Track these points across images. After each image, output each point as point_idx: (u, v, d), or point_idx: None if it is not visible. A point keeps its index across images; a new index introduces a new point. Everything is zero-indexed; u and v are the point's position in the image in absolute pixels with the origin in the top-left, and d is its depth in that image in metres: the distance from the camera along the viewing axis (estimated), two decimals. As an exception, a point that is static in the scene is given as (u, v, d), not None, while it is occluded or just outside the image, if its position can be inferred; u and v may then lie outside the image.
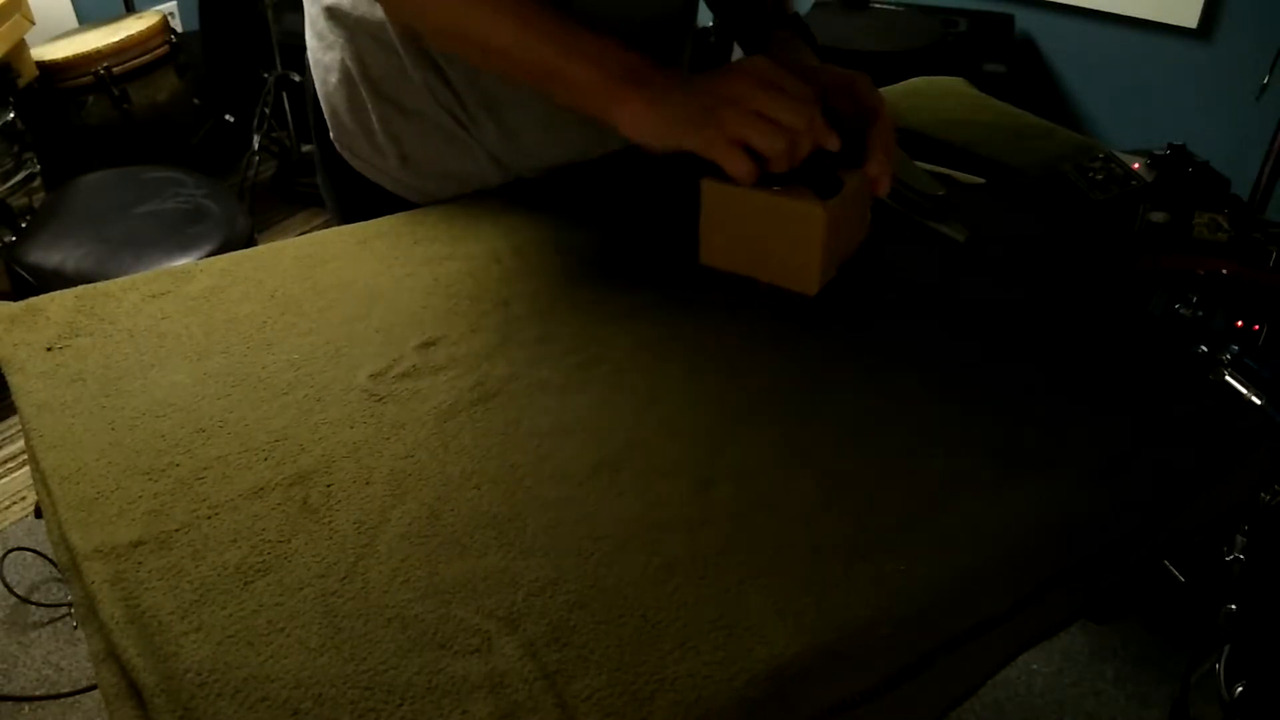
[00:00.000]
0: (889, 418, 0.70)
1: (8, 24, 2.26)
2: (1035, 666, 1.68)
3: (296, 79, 2.82)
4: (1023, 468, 0.66)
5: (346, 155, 1.00)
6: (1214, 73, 2.20)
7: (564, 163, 0.99)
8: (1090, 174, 0.96)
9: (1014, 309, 0.82)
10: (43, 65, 2.48)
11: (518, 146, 0.96)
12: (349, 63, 0.94)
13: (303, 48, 1.02)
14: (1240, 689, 1.02)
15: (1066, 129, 1.14)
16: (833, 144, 0.77)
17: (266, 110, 2.86)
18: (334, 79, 0.96)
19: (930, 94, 1.21)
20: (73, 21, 2.85)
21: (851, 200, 0.83)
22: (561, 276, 0.85)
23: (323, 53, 0.96)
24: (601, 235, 0.91)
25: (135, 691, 0.52)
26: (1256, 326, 0.77)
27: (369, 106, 0.94)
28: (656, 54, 0.78)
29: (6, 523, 1.97)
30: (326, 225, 0.97)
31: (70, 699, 1.64)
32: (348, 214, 1.02)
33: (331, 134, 1.00)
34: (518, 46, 0.78)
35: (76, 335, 0.76)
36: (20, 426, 0.71)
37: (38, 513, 1.88)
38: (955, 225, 0.91)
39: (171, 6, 3.08)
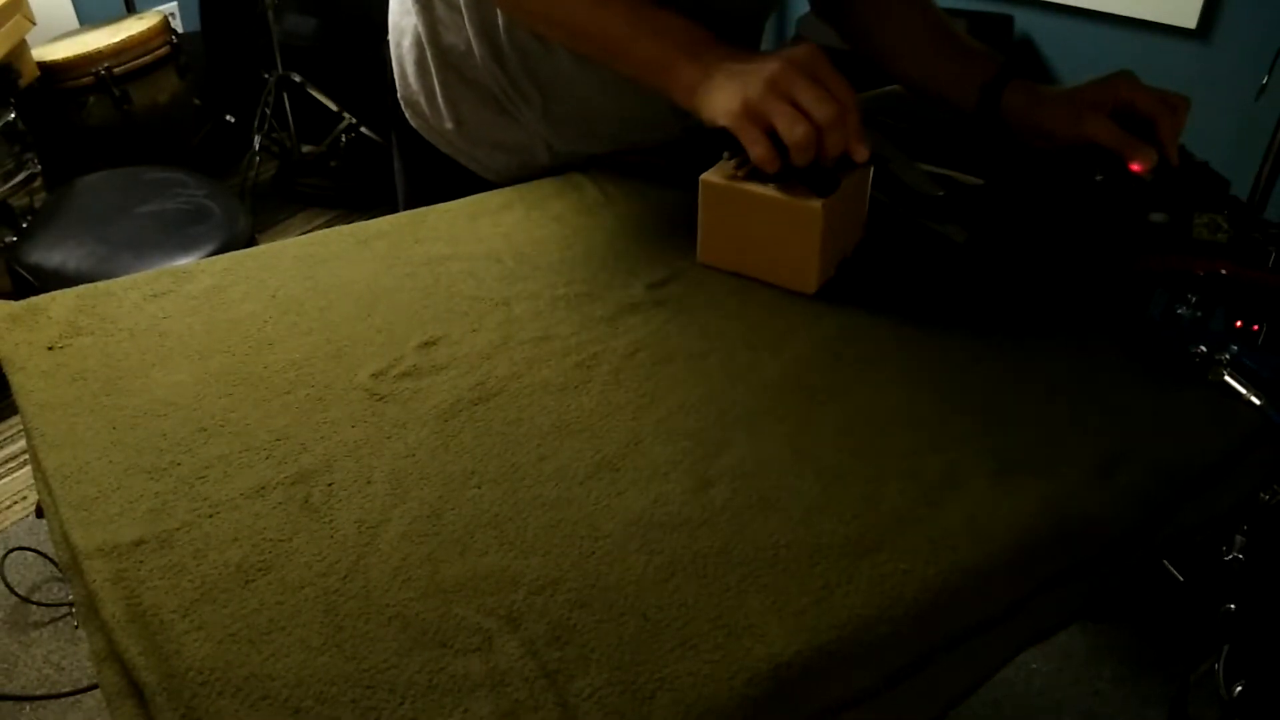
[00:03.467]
0: (888, 417, 0.70)
1: (9, 24, 2.26)
2: (1034, 666, 1.68)
3: (297, 79, 2.83)
4: (1022, 468, 0.66)
5: (408, 114, 1.06)
6: (1213, 73, 2.20)
7: (606, 151, 1.03)
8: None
9: (1013, 309, 0.82)
10: (44, 66, 2.48)
11: (560, 134, 1.01)
12: (421, 29, 1.00)
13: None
14: (1240, 689, 1.02)
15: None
16: (860, 155, 0.77)
17: (267, 110, 2.86)
18: (407, 41, 1.03)
19: (930, 94, 1.21)
20: (74, 22, 2.85)
21: (849, 199, 0.83)
22: (561, 276, 0.85)
23: (401, 16, 1.04)
24: (602, 235, 0.91)
25: (136, 690, 0.52)
26: (1256, 326, 0.78)
27: (433, 70, 1.00)
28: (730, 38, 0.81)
29: (7, 522, 1.97)
30: (327, 225, 0.98)
31: (71, 698, 1.64)
32: (409, 172, 1.11)
33: (399, 92, 1.06)
34: (590, 22, 0.83)
35: (78, 334, 0.76)
36: (22, 426, 0.71)
37: (39, 512, 1.88)
38: (955, 225, 0.91)
39: (172, 7, 3.08)
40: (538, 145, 1.02)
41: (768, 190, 0.80)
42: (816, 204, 0.78)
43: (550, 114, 0.99)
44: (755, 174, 0.81)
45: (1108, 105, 0.90)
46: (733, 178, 0.81)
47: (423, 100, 1.03)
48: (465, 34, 0.96)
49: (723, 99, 0.77)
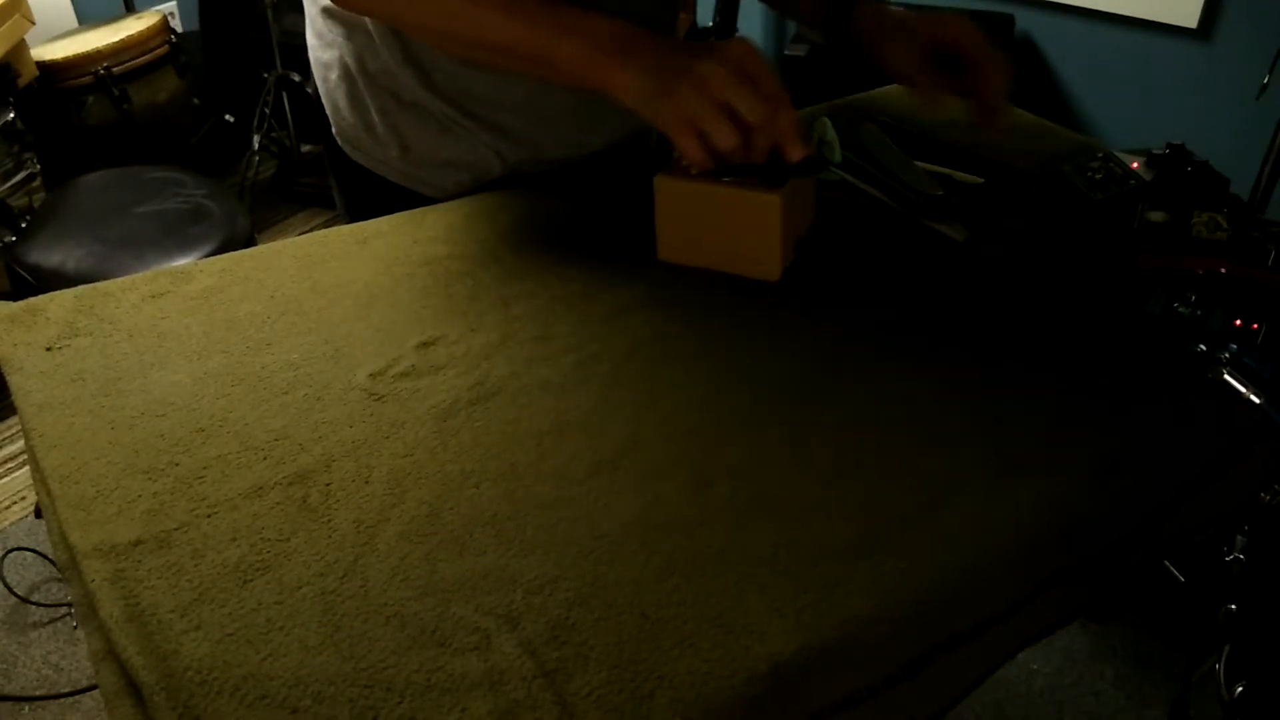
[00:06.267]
0: (888, 417, 0.70)
1: (8, 24, 2.26)
2: (1035, 666, 1.68)
3: (296, 79, 2.82)
4: (1023, 467, 0.66)
5: (349, 150, 1.01)
6: (1214, 73, 2.20)
7: (559, 157, 1.00)
8: (1090, 174, 0.96)
9: (1014, 309, 0.82)
10: (43, 65, 2.48)
11: (507, 141, 0.97)
12: (347, 59, 0.95)
13: (303, 47, 1.03)
14: (1240, 689, 1.02)
15: (1066, 129, 1.14)
16: (795, 154, 0.75)
17: (266, 110, 2.86)
18: (334, 76, 0.98)
19: (930, 94, 1.21)
20: (73, 21, 2.85)
21: (799, 186, 0.84)
22: (561, 276, 0.85)
23: (322, 51, 0.98)
24: (602, 235, 0.91)
25: (135, 690, 0.52)
26: (1255, 325, 0.77)
27: (368, 100, 0.96)
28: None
29: (6, 523, 1.97)
30: (326, 225, 0.98)
31: (70, 699, 1.64)
32: (354, 210, 1.03)
33: (334, 130, 1.01)
34: (505, 36, 0.79)
35: (76, 335, 0.76)
36: (20, 426, 0.71)
37: (38, 512, 1.88)
38: (955, 225, 0.91)
39: (171, 6, 3.08)
40: (489, 158, 0.98)
41: (723, 185, 0.81)
42: (774, 195, 0.79)
43: (495, 122, 0.95)
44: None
45: (933, 42, 0.90)
46: (686, 174, 0.81)
47: (362, 133, 0.99)
48: (390, 57, 0.92)
49: (655, 99, 0.75)
